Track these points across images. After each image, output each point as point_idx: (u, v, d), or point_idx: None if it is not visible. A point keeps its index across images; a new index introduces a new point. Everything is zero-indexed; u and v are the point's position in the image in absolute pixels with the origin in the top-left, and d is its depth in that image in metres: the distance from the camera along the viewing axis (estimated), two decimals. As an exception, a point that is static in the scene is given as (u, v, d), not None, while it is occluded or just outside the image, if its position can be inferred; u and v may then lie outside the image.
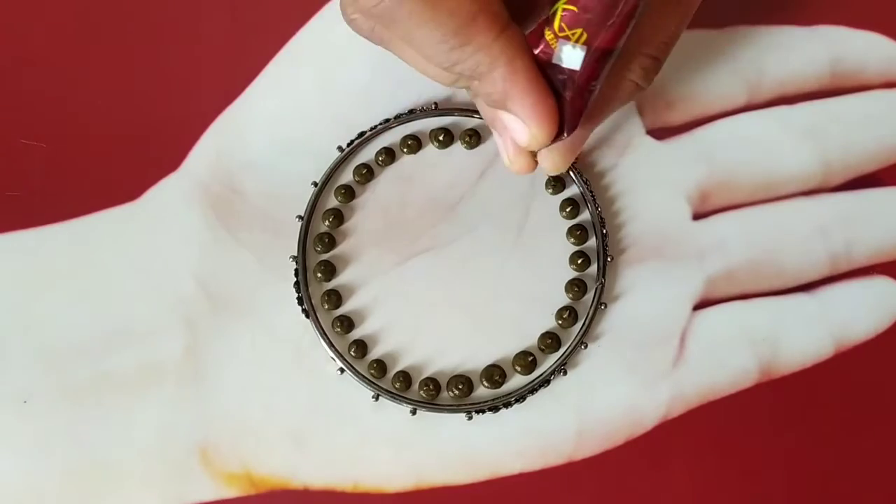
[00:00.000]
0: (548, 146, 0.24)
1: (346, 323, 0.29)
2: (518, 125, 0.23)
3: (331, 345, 0.28)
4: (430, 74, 0.24)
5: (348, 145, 0.30)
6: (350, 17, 0.24)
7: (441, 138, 0.30)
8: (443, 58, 0.23)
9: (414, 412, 0.28)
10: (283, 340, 0.29)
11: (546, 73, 0.23)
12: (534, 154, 0.26)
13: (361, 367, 0.29)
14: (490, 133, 0.30)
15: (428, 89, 0.31)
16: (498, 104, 0.23)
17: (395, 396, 0.28)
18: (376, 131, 0.31)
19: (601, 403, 0.28)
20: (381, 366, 0.28)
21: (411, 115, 0.31)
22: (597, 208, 0.30)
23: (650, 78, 0.25)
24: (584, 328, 0.28)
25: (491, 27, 0.22)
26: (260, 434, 0.28)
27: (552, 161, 0.26)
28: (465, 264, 0.29)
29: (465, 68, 0.23)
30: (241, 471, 0.28)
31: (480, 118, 0.30)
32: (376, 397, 0.28)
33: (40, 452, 0.28)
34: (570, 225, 0.30)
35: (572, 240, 0.30)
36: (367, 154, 0.31)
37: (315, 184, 0.30)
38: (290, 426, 0.28)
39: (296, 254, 0.29)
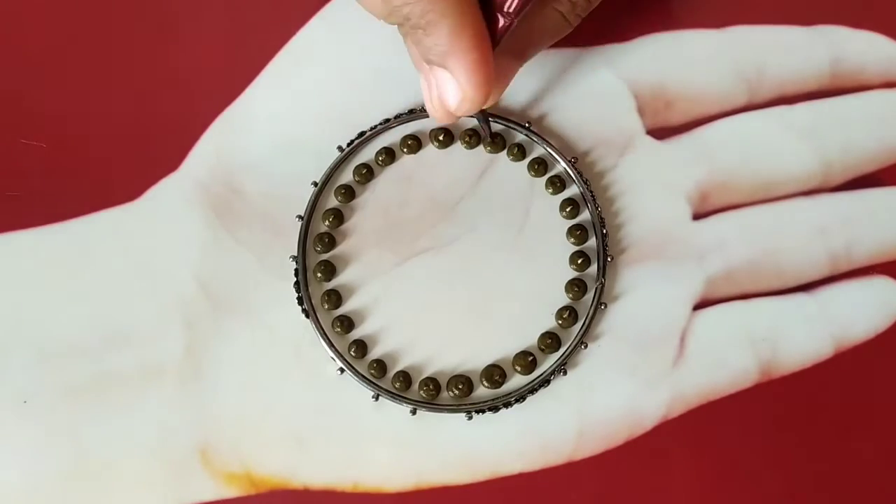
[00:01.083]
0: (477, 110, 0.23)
1: (346, 323, 0.29)
2: (451, 85, 0.23)
3: (331, 345, 0.28)
4: (366, 4, 0.23)
5: (348, 145, 0.30)
6: None
7: (441, 138, 0.30)
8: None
9: (414, 412, 0.28)
10: (283, 340, 0.29)
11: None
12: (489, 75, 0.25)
13: (361, 367, 0.29)
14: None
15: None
16: (437, 59, 0.22)
17: (395, 396, 0.28)
18: (376, 131, 0.31)
19: (601, 403, 0.28)
20: (381, 366, 0.28)
21: (411, 114, 0.31)
22: (597, 208, 0.30)
23: (577, 13, 0.25)
24: (583, 328, 0.28)
25: None
26: (260, 434, 0.28)
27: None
28: (465, 264, 0.29)
29: (412, 12, 0.22)
30: (241, 471, 0.28)
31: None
32: (376, 397, 0.28)
33: (40, 452, 0.28)
34: (570, 225, 0.30)
35: (572, 240, 0.30)
36: (367, 154, 0.31)
37: (315, 184, 0.30)
38: (290, 426, 0.28)
39: (296, 254, 0.29)
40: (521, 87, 0.31)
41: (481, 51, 0.22)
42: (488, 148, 0.30)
